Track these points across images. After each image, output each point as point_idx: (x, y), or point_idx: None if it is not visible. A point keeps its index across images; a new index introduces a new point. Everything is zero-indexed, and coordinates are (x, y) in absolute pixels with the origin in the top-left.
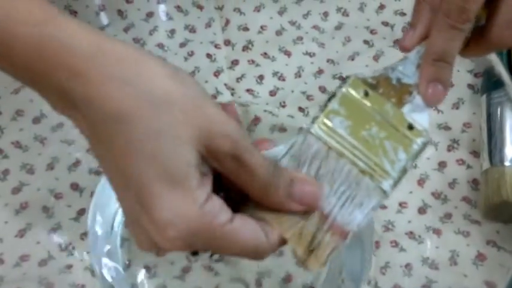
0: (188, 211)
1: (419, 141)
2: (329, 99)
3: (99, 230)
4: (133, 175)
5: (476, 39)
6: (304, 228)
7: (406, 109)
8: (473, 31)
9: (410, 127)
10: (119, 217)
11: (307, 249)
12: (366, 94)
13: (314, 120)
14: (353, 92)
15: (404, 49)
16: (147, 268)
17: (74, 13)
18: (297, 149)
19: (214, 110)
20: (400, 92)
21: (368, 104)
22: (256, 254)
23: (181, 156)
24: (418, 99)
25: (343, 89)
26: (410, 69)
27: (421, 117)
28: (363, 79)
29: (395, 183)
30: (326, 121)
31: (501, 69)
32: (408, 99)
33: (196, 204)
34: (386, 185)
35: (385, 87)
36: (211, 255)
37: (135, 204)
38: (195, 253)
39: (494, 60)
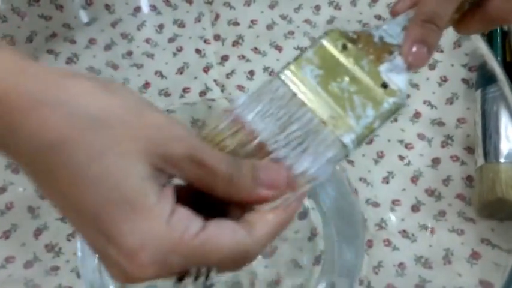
0: (154, 230)
1: (391, 100)
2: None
3: None
4: (86, 205)
5: (474, 14)
6: None
7: (383, 67)
8: (471, 5)
9: (384, 85)
10: None
11: None
12: (344, 47)
13: (286, 66)
14: (330, 44)
15: (396, 14)
16: None
17: (59, 7)
18: (260, 88)
19: (157, 115)
20: (380, 50)
21: (344, 57)
22: (244, 256)
23: (132, 173)
24: (398, 60)
25: (321, 40)
26: (395, 30)
27: (398, 78)
28: (343, 32)
29: (358, 139)
30: (296, 68)
31: (494, 64)
32: (388, 58)
33: (162, 221)
34: (347, 138)
35: (366, 43)
36: (199, 278)
37: (98, 236)
38: (180, 279)
39: (487, 54)
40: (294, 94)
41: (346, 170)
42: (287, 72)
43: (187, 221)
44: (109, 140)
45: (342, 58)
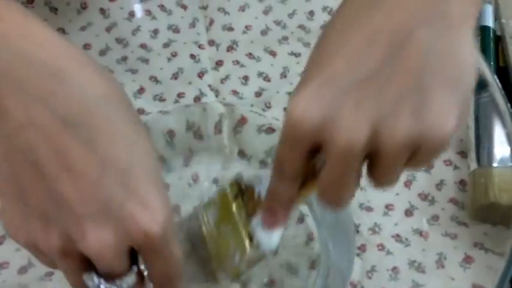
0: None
1: (251, 252)
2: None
3: None
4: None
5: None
6: None
7: (254, 220)
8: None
9: (250, 237)
10: None
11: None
12: (236, 197)
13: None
14: (229, 191)
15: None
16: None
17: (54, 10)
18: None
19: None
20: (256, 205)
21: (234, 204)
22: None
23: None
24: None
25: (223, 189)
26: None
27: (262, 233)
28: (238, 184)
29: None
30: (207, 208)
31: (485, 69)
32: (259, 212)
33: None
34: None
35: (249, 196)
36: None
37: (117, 188)
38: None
39: (479, 60)
40: (200, 227)
41: None
42: (203, 212)
43: None
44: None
45: (232, 206)
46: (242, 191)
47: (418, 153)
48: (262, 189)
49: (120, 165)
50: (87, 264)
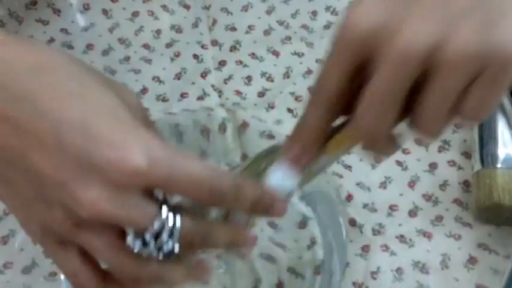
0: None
1: None
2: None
3: None
4: (71, 115)
5: None
6: None
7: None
8: None
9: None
10: None
11: None
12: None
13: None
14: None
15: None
16: None
17: (57, 12)
18: None
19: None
20: None
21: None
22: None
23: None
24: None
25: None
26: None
27: (280, 176)
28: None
29: None
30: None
31: None
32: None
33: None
34: None
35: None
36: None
37: (85, 142)
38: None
39: None
40: None
41: (344, 175)
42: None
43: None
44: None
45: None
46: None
47: (481, 80)
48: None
49: (74, 120)
50: (117, 232)
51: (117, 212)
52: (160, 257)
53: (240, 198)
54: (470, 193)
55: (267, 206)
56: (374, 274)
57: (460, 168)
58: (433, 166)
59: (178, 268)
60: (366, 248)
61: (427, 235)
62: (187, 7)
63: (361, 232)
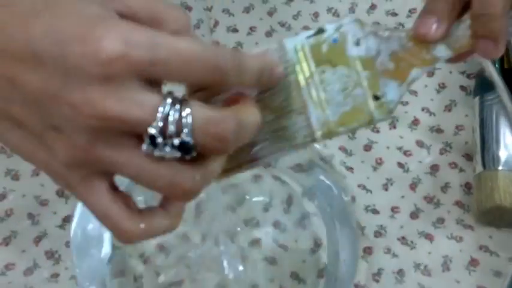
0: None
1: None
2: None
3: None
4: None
5: None
6: None
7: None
8: None
9: (376, 97)
10: None
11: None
12: (357, 43)
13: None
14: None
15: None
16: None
17: None
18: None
19: None
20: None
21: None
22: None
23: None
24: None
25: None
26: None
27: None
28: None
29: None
30: (307, 46)
31: (492, 71)
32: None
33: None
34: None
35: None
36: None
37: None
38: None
39: (485, 61)
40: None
41: (346, 177)
42: (299, 46)
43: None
44: None
45: (348, 52)
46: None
47: None
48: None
49: (42, 31)
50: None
51: (114, 107)
52: (179, 154)
53: (243, 72)
54: (471, 195)
55: (269, 74)
56: (376, 276)
57: (461, 170)
58: (434, 168)
59: (210, 164)
60: (367, 250)
61: (429, 237)
62: (189, 8)
63: (363, 234)
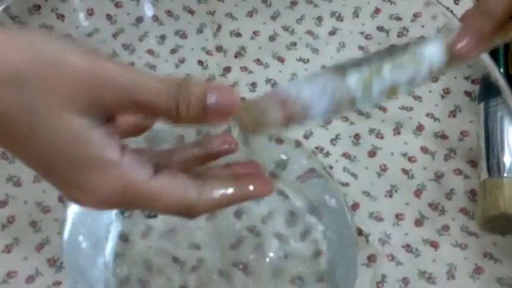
0: (105, 174)
1: (408, 54)
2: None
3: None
4: (27, 161)
5: None
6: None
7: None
8: None
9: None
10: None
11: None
12: None
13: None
14: None
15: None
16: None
17: (61, 17)
18: None
19: (81, 62)
20: None
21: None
22: (187, 211)
23: (64, 129)
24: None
25: None
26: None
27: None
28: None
29: (365, 80)
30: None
31: (497, 76)
32: None
33: (111, 164)
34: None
35: None
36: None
37: (54, 179)
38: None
39: (490, 66)
40: None
41: (350, 183)
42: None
43: (138, 166)
44: (30, 97)
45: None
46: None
47: None
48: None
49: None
50: None
51: None
52: None
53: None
54: (476, 202)
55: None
56: (380, 284)
57: (466, 177)
58: (439, 175)
59: None
60: (372, 258)
61: (434, 245)
62: (192, 12)
63: (367, 241)
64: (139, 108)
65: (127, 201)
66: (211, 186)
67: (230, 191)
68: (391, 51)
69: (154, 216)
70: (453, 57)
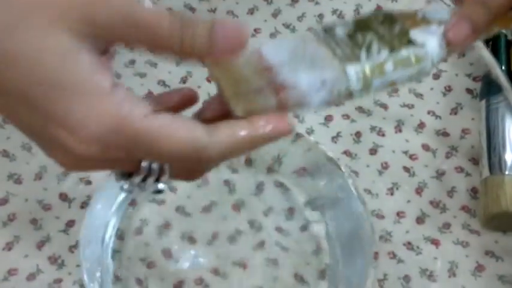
0: (94, 105)
1: (411, 50)
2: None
3: (89, 243)
4: (11, 86)
5: None
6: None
7: (414, 31)
8: None
9: (410, 41)
10: (110, 230)
11: (238, 91)
12: (382, 22)
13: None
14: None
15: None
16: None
17: None
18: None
19: None
20: (419, 22)
21: (378, 20)
22: (199, 157)
23: (51, 47)
24: (434, 28)
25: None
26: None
27: (428, 40)
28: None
29: (364, 73)
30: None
31: (499, 73)
32: (423, 26)
33: (101, 95)
34: (351, 69)
35: (407, 16)
36: (149, 179)
37: (34, 116)
38: (129, 174)
39: (492, 64)
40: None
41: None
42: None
43: (132, 100)
44: (14, 12)
45: (374, 21)
46: (393, 18)
47: None
48: (429, 13)
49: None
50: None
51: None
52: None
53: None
54: (478, 200)
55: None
56: (381, 282)
57: (467, 174)
58: (440, 172)
59: None
60: (374, 255)
61: (435, 242)
62: (193, 10)
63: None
64: (137, 33)
65: (123, 144)
66: (222, 127)
67: (244, 132)
68: (390, 19)
69: (160, 191)
70: (447, 44)
